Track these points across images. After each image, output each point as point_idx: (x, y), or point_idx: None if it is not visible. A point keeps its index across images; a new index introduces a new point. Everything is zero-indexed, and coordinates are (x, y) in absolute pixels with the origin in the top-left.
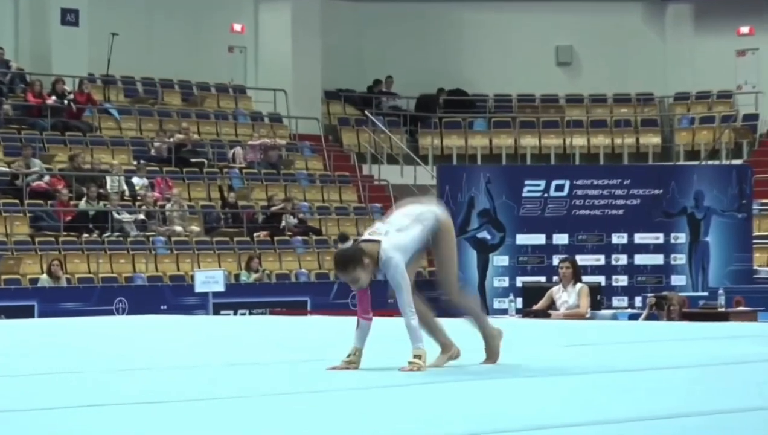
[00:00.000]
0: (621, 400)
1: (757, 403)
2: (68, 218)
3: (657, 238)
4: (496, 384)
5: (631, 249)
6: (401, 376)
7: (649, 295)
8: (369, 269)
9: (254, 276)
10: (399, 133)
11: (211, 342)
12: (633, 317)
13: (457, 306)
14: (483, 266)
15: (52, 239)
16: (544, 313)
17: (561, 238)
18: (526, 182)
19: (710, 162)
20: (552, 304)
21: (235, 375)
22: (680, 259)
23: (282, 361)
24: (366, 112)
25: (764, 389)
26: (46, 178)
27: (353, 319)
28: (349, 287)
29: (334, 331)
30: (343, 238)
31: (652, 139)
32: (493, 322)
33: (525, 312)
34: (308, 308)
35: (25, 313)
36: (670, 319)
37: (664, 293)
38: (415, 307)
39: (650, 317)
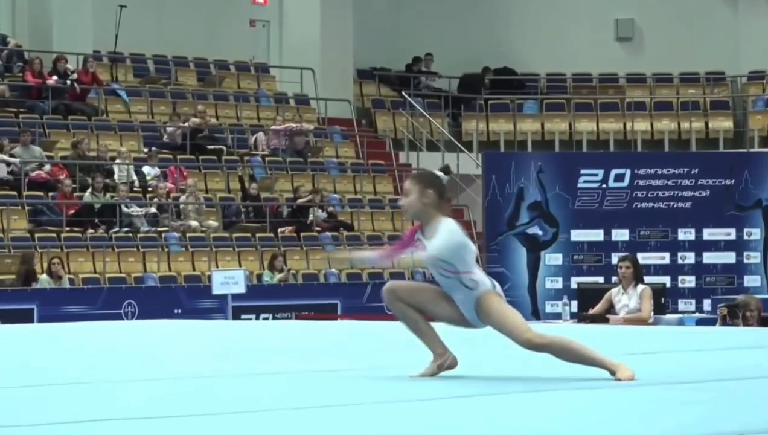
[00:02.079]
0: (689, 415)
1: None
2: (71, 212)
3: (728, 234)
4: (550, 397)
5: (699, 246)
6: (435, 388)
7: (720, 305)
8: (425, 206)
9: (278, 276)
10: (440, 116)
11: (230, 349)
12: (701, 322)
13: (542, 350)
14: (534, 265)
15: (54, 235)
16: (601, 318)
17: (621, 234)
18: (582, 171)
19: None
20: (610, 308)
21: (259, 386)
22: (754, 257)
23: (311, 371)
24: (403, 93)
25: None
26: (47, 167)
27: (388, 324)
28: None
29: (367, 337)
30: (447, 170)
31: (723, 124)
32: (546, 327)
33: (580, 316)
34: (338, 312)
35: (24, 317)
36: (747, 326)
37: (737, 300)
38: (408, 314)
39: None
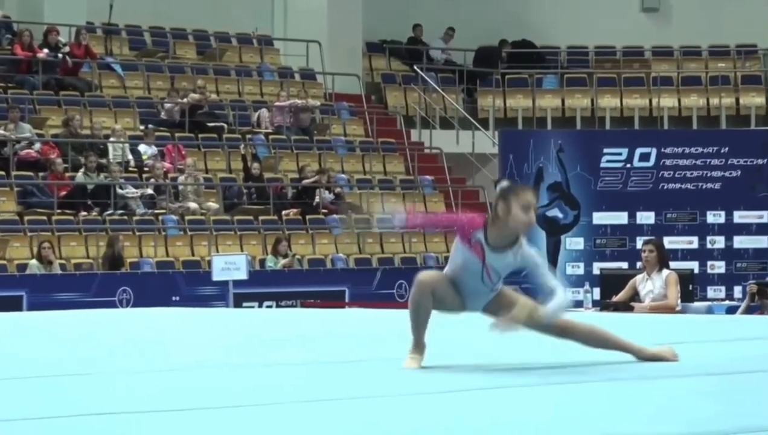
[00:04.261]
0: (717, 407)
1: None
2: (62, 193)
3: (761, 216)
4: (573, 389)
5: (729, 230)
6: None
7: (750, 282)
8: (508, 217)
9: (282, 262)
10: (454, 92)
11: (232, 339)
12: (731, 310)
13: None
14: (554, 250)
15: (44, 218)
16: (625, 306)
17: (646, 217)
18: (605, 150)
19: None
20: (635, 296)
21: (265, 378)
22: None
23: (319, 362)
24: (415, 67)
25: None
26: (37, 145)
27: (398, 312)
28: (393, 276)
29: (376, 325)
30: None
31: (754, 99)
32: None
33: (603, 304)
34: (346, 299)
35: (12, 305)
36: None
37: None
38: (426, 306)
39: (751, 309)
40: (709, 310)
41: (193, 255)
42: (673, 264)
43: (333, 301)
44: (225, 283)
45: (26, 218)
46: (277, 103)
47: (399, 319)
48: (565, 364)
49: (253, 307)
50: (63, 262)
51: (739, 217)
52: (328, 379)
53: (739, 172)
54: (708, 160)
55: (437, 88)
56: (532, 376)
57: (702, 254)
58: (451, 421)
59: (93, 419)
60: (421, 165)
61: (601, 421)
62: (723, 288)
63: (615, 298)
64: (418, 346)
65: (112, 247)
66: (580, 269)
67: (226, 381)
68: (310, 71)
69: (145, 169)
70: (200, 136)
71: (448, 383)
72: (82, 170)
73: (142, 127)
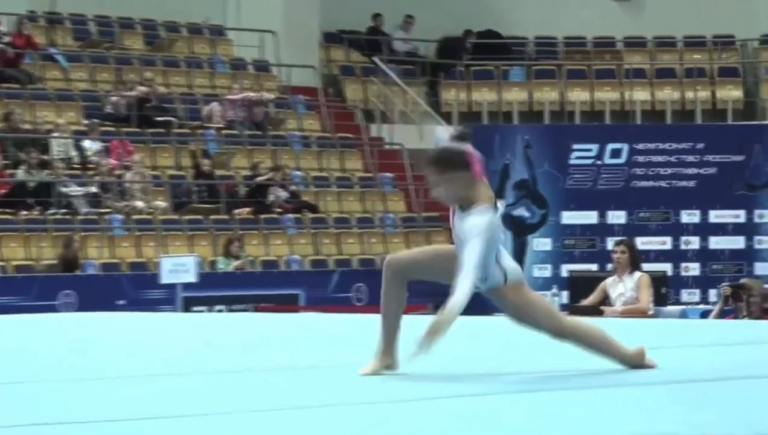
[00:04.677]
0: (693, 416)
1: None
2: (2, 191)
3: (737, 216)
4: (543, 397)
5: (704, 230)
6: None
7: (723, 284)
8: (460, 191)
9: (234, 263)
10: (416, 85)
11: (181, 345)
12: (706, 314)
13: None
14: (520, 251)
15: None
16: (595, 310)
17: (617, 217)
18: (575, 146)
19: None
20: (606, 299)
21: (214, 386)
22: (766, 242)
23: (273, 368)
24: (375, 59)
25: None
26: None
27: (357, 317)
28: (351, 278)
29: (334, 331)
30: (463, 136)
31: (732, 93)
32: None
33: (572, 308)
34: (302, 303)
35: None
36: (750, 313)
37: (743, 281)
38: (396, 297)
39: (725, 313)
40: (683, 314)
41: (139, 256)
42: (645, 266)
43: (287, 304)
44: (173, 286)
45: None
46: (229, 97)
47: (356, 323)
48: (539, 371)
49: (202, 311)
50: (3, 263)
51: (715, 216)
52: (278, 387)
53: (716, 170)
54: (682, 157)
55: (398, 80)
56: (498, 383)
57: (676, 255)
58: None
59: (37, 429)
60: (381, 162)
61: (571, 431)
62: (698, 291)
63: (584, 302)
64: (382, 349)
65: (67, 248)
66: (547, 271)
67: (172, 390)
68: (265, 63)
69: (90, 165)
70: (148, 131)
71: (400, 391)
72: (23, 167)
73: (86, 122)
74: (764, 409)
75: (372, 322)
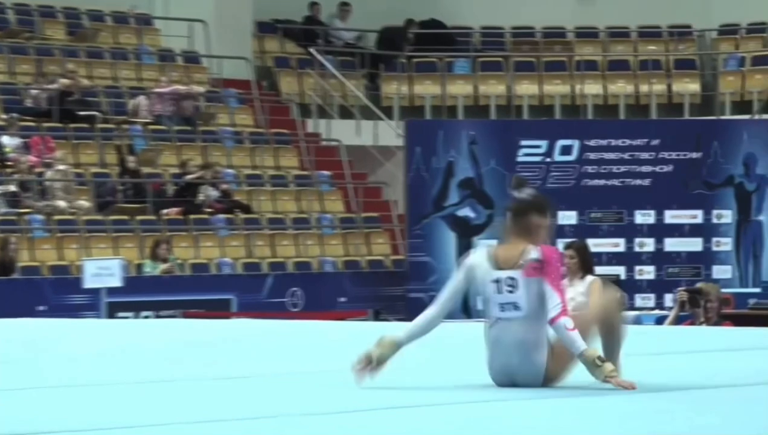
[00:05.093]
0: (653, 426)
1: None
2: None
3: (694, 216)
4: (487, 408)
5: (660, 231)
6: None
7: (680, 288)
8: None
9: (162, 267)
10: (355, 77)
11: (106, 354)
12: (661, 320)
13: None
14: (463, 253)
15: None
16: None
17: (567, 217)
18: (522, 143)
19: (765, 116)
20: None
21: (142, 397)
22: (725, 244)
23: (201, 378)
24: (311, 50)
25: None
26: None
27: (292, 323)
28: (285, 282)
29: (268, 337)
30: (520, 183)
31: (688, 86)
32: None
33: None
34: (234, 309)
35: None
36: (707, 319)
37: (699, 285)
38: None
39: (681, 319)
40: (637, 320)
41: (61, 259)
42: (597, 269)
43: (218, 310)
44: (97, 291)
45: None
46: (156, 90)
47: (291, 330)
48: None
49: (128, 317)
50: None
51: (671, 216)
52: (207, 398)
53: (672, 167)
54: (637, 154)
55: (336, 73)
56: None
57: (629, 258)
58: None
59: None
60: (317, 159)
61: None
62: (652, 295)
63: None
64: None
65: (3, 251)
66: None
67: (89, 402)
68: (194, 54)
69: (8, 163)
70: (70, 126)
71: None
72: None
73: (4, 117)
74: (720, 417)
75: (307, 329)
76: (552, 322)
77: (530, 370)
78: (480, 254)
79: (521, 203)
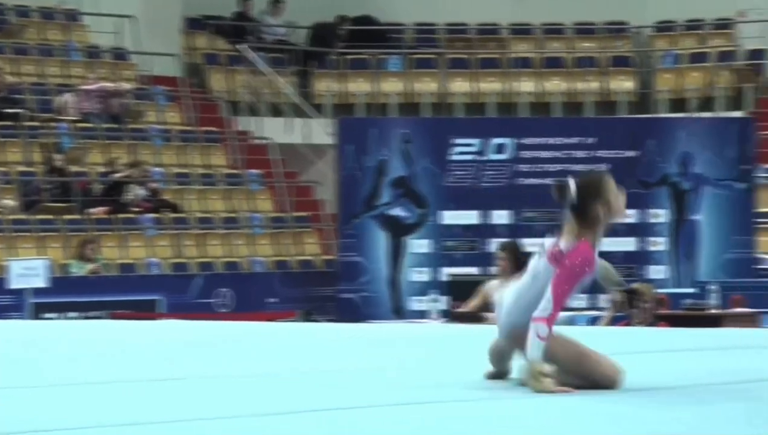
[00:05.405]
0: (593, 426)
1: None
2: None
3: (629, 215)
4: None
5: None
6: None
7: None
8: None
9: (89, 267)
10: (286, 75)
11: (30, 356)
12: (595, 321)
13: None
14: (396, 254)
15: None
16: (475, 317)
17: (501, 216)
18: (456, 141)
19: (702, 114)
20: (488, 305)
21: (64, 399)
22: (660, 243)
23: (130, 380)
24: (241, 46)
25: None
26: None
27: (219, 324)
28: (214, 283)
29: (197, 339)
30: (562, 188)
31: (624, 84)
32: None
33: (452, 315)
34: (163, 309)
35: None
36: (642, 320)
37: (635, 285)
38: None
39: (616, 319)
40: (571, 321)
41: None
42: None
43: (146, 311)
44: (22, 291)
45: None
46: (84, 87)
47: (219, 331)
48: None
49: (53, 318)
50: None
51: None
52: (139, 400)
53: (607, 166)
54: (571, 152)
55: (266, 69)
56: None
57: None
58: None
59: None
60: (247, 157)
61: None
62: (585, 296)
63: (464, 308)
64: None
65: None
66: (426, 275)
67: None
68: (122, 51)
69: None
70: None
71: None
72: None
73: None
74: (656, 417)
75: (235, 329)
76: (533, 319)
77: (507, 319)
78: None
79: (574, 199)
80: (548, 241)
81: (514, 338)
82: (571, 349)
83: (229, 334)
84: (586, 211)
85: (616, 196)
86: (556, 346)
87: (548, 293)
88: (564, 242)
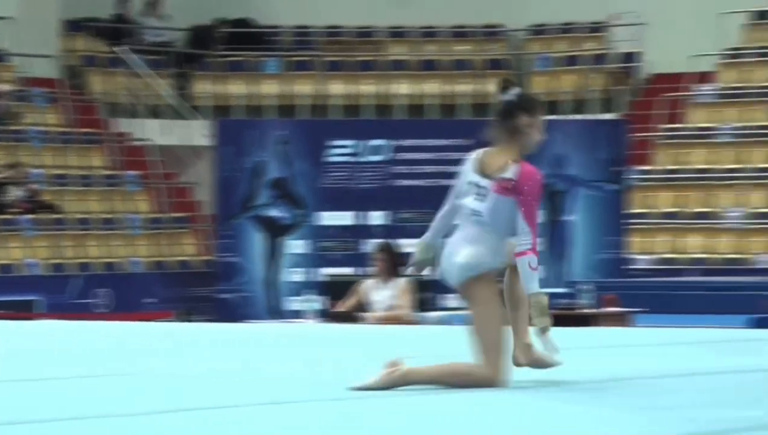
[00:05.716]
0: (454, 426)
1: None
2: None
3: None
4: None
5: None
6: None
7: None
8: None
9: None
10: (165, 77)
11: None
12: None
13: None
14: (272, 254)
15: None
16: (350, 316)
17: (377, 217)
18: (332, 143)
19: (575, 116)
20: (365, 304)
21: None
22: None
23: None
24: (119, 48)
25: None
26: None
27: (99, 325)
28: (93, 283)
29: (75, 340)
30: (507, 84)
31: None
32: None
33: (330, 314)
34: (39, 310)
35: None
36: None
37: None
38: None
39: None
40: (445, 321)
41: None
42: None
43: (23, 312)
44: None
45: None
46: None
47: (94, 332)
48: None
49: None
50: None
51: None
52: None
53: None
54: (447, 154)
55: (145, 72)
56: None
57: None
58: None
59: None
60: (127, 158)
61: None
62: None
63: (341, 308)
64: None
65: None
66: (302, 275)
67: None
68: (1, 52)
69: None
70: None
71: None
72: None
73: None
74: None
75: (113, 330)
76: (518, 255)
77: (455, 261)
78: (473, 155)
79: (508, 104)
80: (472, 177)
81: (469, 284)
82: (495, 331)
83: (104, 333)
84: (513, 117)
85: (540, 124)
86: (488, 318)
87: (522, 226)
88: (508, 170)
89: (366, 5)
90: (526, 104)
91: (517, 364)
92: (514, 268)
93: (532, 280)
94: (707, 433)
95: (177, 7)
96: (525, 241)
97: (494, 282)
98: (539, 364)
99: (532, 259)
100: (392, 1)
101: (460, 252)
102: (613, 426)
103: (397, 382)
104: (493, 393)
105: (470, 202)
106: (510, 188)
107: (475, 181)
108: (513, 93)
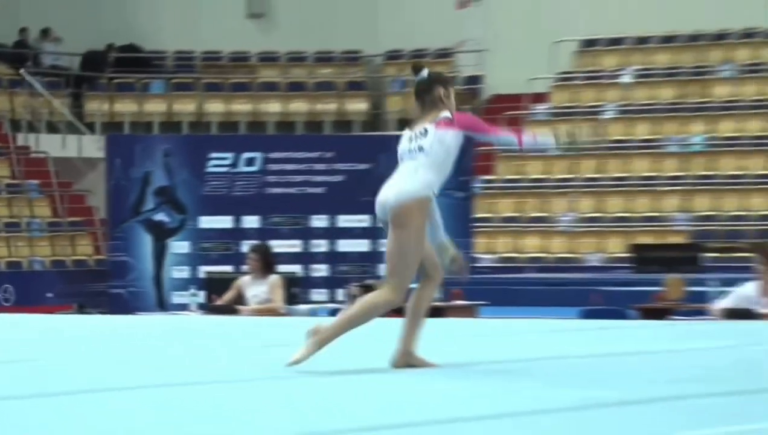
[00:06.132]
0: (317, 409)
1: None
2: None
3: (362, 220)
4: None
5: (332, 234)
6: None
7: (351, 284)
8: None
9: None
10: (61, 96)
11: None
12: (335, 313)
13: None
14: (159, 254)
15: None
16: (230, 308)
17: (251, 221)
18: (212, 155)
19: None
20: (241, 297)
21: None
22: None
23: None
24: (21, 71)
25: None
26: None
27: (4, 317)
28: (6, 279)
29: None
30: (418, 67)
31: (358, 105)
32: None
33: (210, 307)
34: None
35: None
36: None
37: (371, 282)
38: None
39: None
40: (313, 313)
41: None
42: (279, 268)
43: None
44: None
45: None
46: None
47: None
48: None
49: None
50: None
51: (343, 221)
52: None
53: (344, 177)
54: (313, 165)
55: (44, 92)
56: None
57: (306, 258)
58: None
59: None
60: (27, 169)
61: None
62: (326, 291)
63: (220, 301)
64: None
65: None
66: (185, 272)
67: None
68: None
69: None
70: None
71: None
72: None
73: None
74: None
75: (18, 322)
76: (520, 144)
77: (391, 193)
78: (405, 132)
79: (425, 80)
80: (409, 137)
81: (401, 210)
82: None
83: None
84: (431, 90)
85: (453, 94)
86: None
87: (488, 136)
88: (443, 113)
89: (240, 33)
90: (440, 79)
91: (395, 366)
92: (426, 279)
93: (544, 143)
94: (550, 409)
95: (72, 33)
96: (509, 139)
97: (425, 212)
98: (418, 364)
99: (528, 136)
100: (263, 29)
101: (396, 184)
102: (466, 405)
103: (321, 344)
104: (337, 376)
105: (413, 144)
106: (449, 123)
107: (416, 130)
108: (425, 72)
